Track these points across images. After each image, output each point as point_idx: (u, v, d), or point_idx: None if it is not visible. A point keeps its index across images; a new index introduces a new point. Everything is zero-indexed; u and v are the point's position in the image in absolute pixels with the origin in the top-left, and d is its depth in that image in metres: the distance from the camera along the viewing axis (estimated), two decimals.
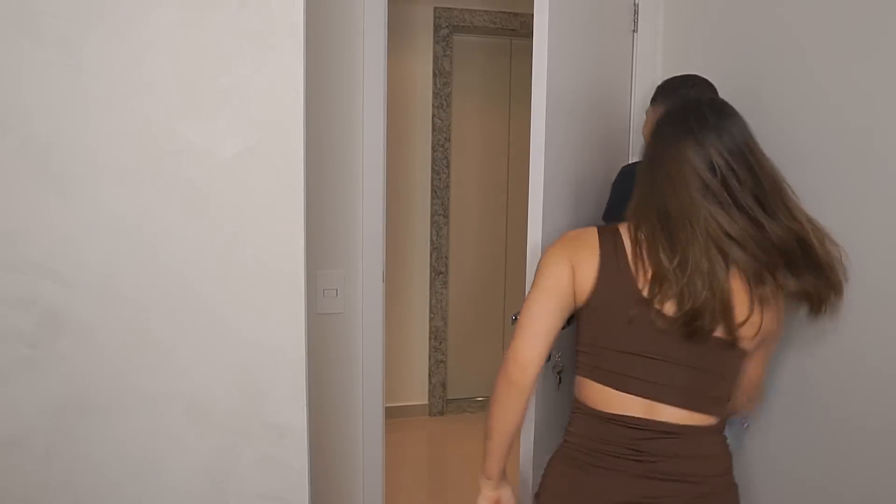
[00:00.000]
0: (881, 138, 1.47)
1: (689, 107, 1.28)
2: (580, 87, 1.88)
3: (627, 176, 2.04)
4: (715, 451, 1.30)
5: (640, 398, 1.26)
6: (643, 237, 1.23)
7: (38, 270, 1.23)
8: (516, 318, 1.71)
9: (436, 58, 3.74)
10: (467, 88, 3.89)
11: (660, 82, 1.90)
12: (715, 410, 1.28)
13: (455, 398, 4.08)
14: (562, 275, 1.27)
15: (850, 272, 1.29)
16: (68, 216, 1.23)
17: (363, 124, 2.14)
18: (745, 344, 1.25)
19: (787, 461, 1.59)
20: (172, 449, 1.32)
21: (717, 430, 1.30)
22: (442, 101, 3.78)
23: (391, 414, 3.17)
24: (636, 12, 2.24)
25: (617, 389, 1.27)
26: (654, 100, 1.86)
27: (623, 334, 1.25)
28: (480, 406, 4.10)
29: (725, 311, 1.19)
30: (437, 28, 3.71)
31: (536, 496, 1.39)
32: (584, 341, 1.32)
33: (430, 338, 3.94)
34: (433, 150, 3.80)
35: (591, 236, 1.29)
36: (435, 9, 3.69)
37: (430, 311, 3.92)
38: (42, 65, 1.19)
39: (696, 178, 1.19)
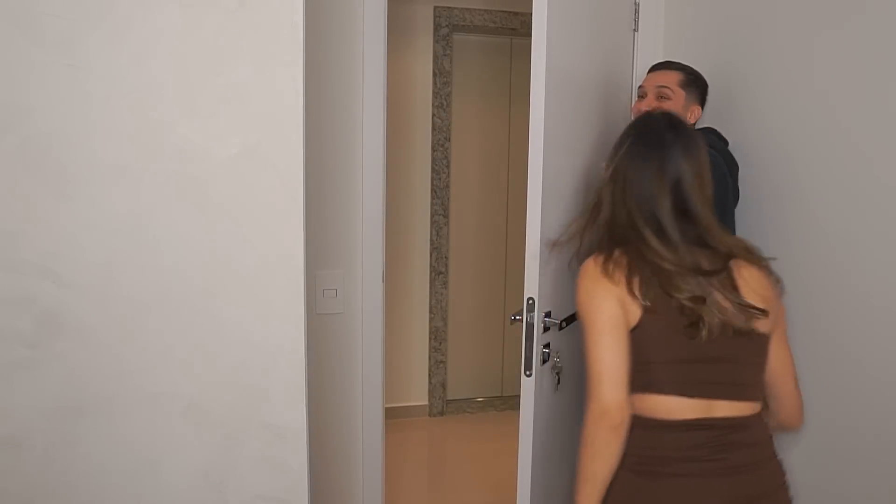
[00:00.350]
0: (869, 134, 1.48)
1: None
2: (580, 84, 1.88)
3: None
4: (767, 434, 1.37)
5: (697, 399, 1.30)
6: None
7: (37, 270, 1.23)
8: (516, 319, 1.72)
9: (436, 57, 3.74)
10: (467, 88, 3.89)
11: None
12: (757, 396, 1.35)
13: (455, 399, 4.08)
14: (614, 308, 1.30)
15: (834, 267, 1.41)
16: (67, 215, 1.23)
17: (363, 124, 2.14)
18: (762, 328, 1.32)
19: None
20: (172, 449, 1.32)
21: (761, 417, 1.37)
22: (442, 100, 3.77)
23: (391, 414, 3.17)
24: (637, 11, 2.25)
25: (685, 396, 1.30)
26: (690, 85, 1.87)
27: (672, 345, 1.30)
28: (480, 407, 4.10)
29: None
30: (436, 27, 3.71)
31: None
32: (639, 356, 1.32)
33: (429, 338, 3.94)
34: (433, 150, 3.80)
35: (621, 262, 1.33)
36: (435, 8, 3.69)
37: (430, 312, 3.92)
38: (42, 64, 1.19)
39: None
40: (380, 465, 2.29)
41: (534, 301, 1.67)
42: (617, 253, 1.34)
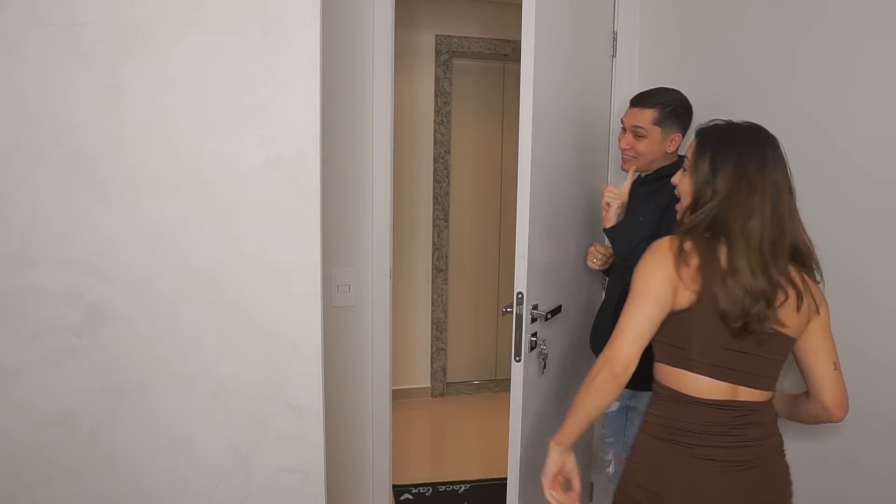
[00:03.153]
0: (852, 139, 1.47)
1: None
2: (564, 105, 1.88)
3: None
4: (775, 415, 1.36)
5: (725, 383, 1.27)
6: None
7: (85, 268, 1.23)
8: (507, 311, 1.72)
9: (437, 80, 3.73)
10: (465, 107, 3.88)
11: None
12: (773, 386, 1.33)
13: (454, 381, 4.08)
14: (664, 289, 1.25)
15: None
16: (110, 220, 1.23)
17: (373, 138, 2.14)
18: (791, 333, 1.29)
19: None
20: (203, 427, 1.32)
21: (772, 402, 1.35)
22: (442, 118, 3.77)
23: (397, 395, 3.17)
24: (615, 39, 2.24)
25: (717, 379, 1.27)
26: (666, 121, 1.79)
27: (714, 335, 1.26)
28: (476, 389, 4.10)
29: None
30: (438, 53, 3.71)
31: (631, 472, 1.35)
32: (680, 336, 1.29)
33: (431, 328, 3.94)
34: (435, 162, 3.80)
35: (690, 248, 1.26)
36: (436, 36, 3.69)
37: (432, 305, 3.92)
38: (87, 86, 1.19)
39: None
40: (387, 440, 2.29)
41: (523, 295, 1.67)
42: (693, 243, 1.26)
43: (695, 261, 1.25)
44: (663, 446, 1.30)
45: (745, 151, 1.27)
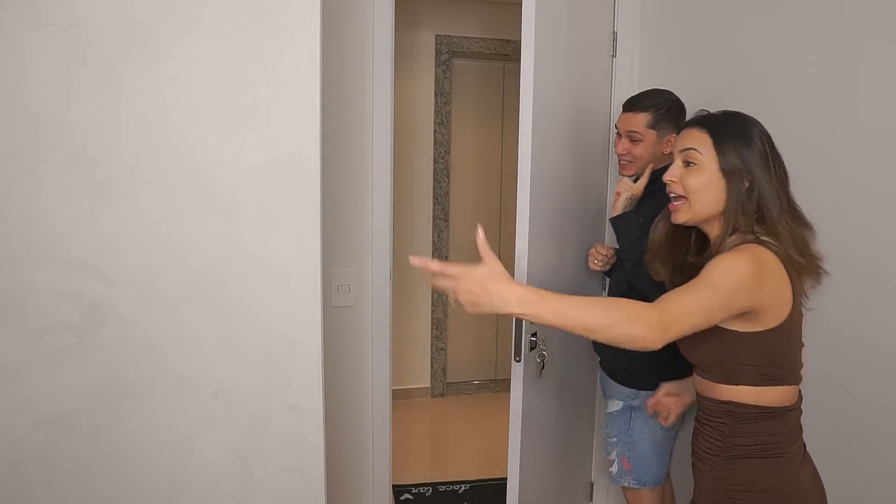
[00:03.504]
0: (816, 142, 1.48)
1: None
2: (564, 105, 1.88)
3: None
4: None
5: (797, 386, 1.28)
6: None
7: (85, 268, 1.23)
8: None
9: (437, 80, 3.73)
10: (465, 107, 3.88)
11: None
12: None
13: (454, 381, 4.08)
14: (745, 299, 1.16)
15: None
16: (110, 220, 1.23)
17: (373, 138, 2.14)
18: None
19: None
20: (203, 427, 1.32)
21: None
22: (443, 118, 3.77)
23: (397, 395, 3.17)
24: (615, 40, 2.24)
25: (792, 385, 1.26)
26: (659, 125, 1.78)
27: (798, 340, 1.26)
28: (476, 389, 4.10)
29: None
30: (438, 53, 3.71)
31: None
32: (770, 358, 1.23)
33: (431, 328, 3.94)
34: (435, 162, 3.80)
35: (777, 261, 1.20)
36: (436, 36, 3.68)
37: (432, 305, 3.92)
38: (87, 86, 1.19)
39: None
40: (388, 440, 2.29)
41: None
42: (784, 253, 1.21)
43: (788, 272, 1.21)
44: (768, 468, 1.24)
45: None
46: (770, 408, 1.24)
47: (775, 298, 1.19)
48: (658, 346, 1.10)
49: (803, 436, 1.30)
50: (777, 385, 1.24)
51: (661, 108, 1.78)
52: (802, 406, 1.30)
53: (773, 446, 1.24)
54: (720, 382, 1.26)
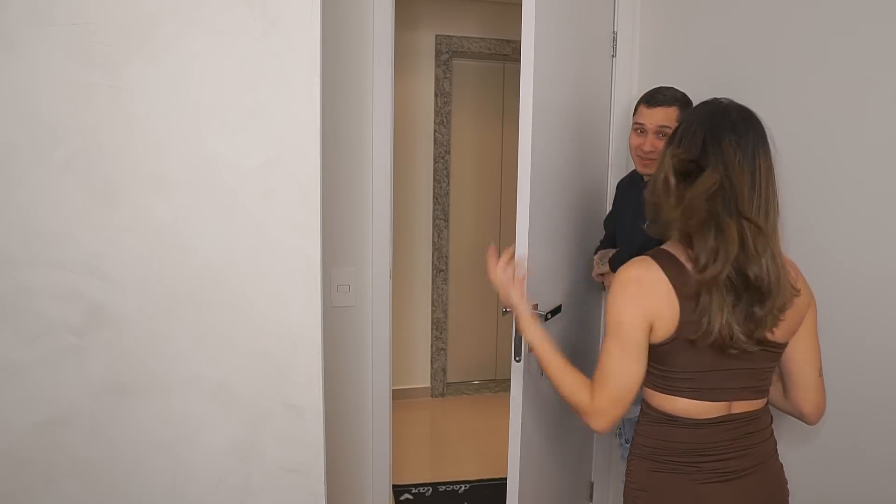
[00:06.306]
0: (817, 141, 1.47)
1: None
2: (564, 105, 1.88)
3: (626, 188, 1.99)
4: (770, 417, 1.31)
5: (717, 403, 1.22)
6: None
7: (85, 268, 1.23)
8: (507, 311, 1.71)
9: (437, 80, 3.73)
10: (465, 107, 3.88)
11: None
12: (768, 391, 1.28)
13: (454, 381, 4.08)
14: (640, 329, 1.16)
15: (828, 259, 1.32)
16: (111, 219, 1.23)
17: (373, 139, 2.14)
18: (780, 339, 1.22)
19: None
20: (203, 426, 1.32)
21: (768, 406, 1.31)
22: (442, 118, 3.77)
23: (397, 395, 3.17)
24: (615, 40, 2.24)
25: (707, 400, 1.21)
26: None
27: (699, 359, 1.19)
28: (476, 389, 4.10)
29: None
30: (438, 53, 3.71)
31: (631, 499, 1.29)
32: (676, 366, 1.20)
33: (431, 328, 3.94)
34: (435, 162, 3.80)
35: (660, 276, 1.16)
36: (436, 36, 3.68)
37: (432, 305, 3.92)
38: (88, 86, 1.19)
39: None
40: (388, 439, 2.29)
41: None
42: (669, 257, 1.17)
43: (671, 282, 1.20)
44: (661, 473, 1.24)
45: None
46: (671, 416, 1.23)
47: (657, 317, 1.16)
48: (602, 425, 1.22)
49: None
50: (676, 396, 1.22)
51: (685, 101, 1.76)
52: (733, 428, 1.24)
53: (667, 453, 1.23)
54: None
